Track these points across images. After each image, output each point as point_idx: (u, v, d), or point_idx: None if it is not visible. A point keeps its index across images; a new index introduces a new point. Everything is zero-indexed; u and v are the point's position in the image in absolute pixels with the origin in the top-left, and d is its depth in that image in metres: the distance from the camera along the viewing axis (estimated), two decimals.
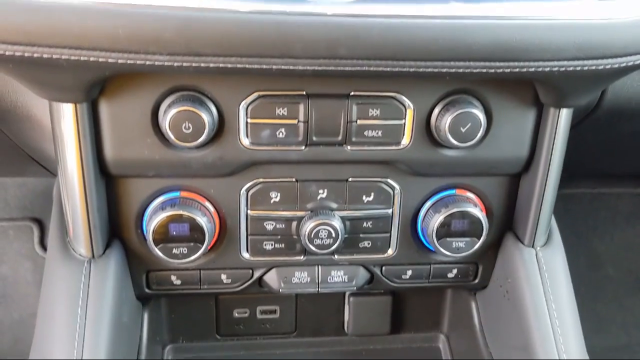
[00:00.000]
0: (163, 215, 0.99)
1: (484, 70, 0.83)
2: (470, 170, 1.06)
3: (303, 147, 0.97)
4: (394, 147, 0.99)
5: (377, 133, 0.97)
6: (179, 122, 0.90)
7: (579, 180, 1.88)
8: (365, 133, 0.97)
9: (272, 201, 1.04)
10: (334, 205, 1.05)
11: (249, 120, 0.95)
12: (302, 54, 0.78)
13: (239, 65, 0.79)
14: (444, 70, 0.82)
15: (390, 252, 1.12)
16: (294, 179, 1.03)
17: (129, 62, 0.78)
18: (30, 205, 1.91)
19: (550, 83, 0.92)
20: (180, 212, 0.99)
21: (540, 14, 0.82)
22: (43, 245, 1.91)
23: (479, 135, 0.96)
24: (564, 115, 1.00)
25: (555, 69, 0.84)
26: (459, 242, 1.07)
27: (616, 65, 0.85)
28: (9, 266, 1.90)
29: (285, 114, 0.94)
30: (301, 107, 0.94)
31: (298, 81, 0.93)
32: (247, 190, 1.03)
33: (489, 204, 1.11)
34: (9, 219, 1.90)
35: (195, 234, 1.00)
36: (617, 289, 2.08)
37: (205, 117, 0.90)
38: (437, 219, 1.05)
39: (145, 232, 1.03)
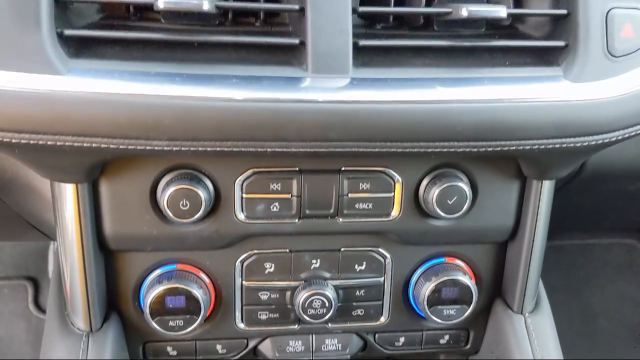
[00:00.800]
0: (160, 289, 1.01)
1: (467, 150, 0.87)
2: (458, 239, 1.09)
3: (296, 220, 1.00)
4: (384, 219, 1.02)
5: (368, 205, 1.01)
6: (176, 199, 0.93)
7: (569, 231, 1.91)
8: (356, 206, 1.00)
9: (266, 272, 1.06)
10: (327, 275, 1.07)
11: (244, 196, 0.98)
12: (295, 138, 0.82)
13: (234, 149, 0.82)
14: (430, 150, 0.86)
15: (382, 319, 1.14)
16: (287, 250, 1.06)
17: (129, 147, 0.81)
18: (25, 263, 1.91)
19: (532, 158, 0.97)
20: (177, 285, 1.01)
21: (519, 96, 0.86)
22: (37, 305, 1.90)
23: (466, 207, 0.99)
24: (547, 186, 1.04)
25: (536, 147, 0.88)
26: (450, 310, 1.09)
27: (593, 142, 0.89)
28: (3, 326, 1.89)
29: (279, 189, 0.98)
30: (294, 183, 0.98)
31: (291, 158, 0.97)
32: (242, 262, 1.05)
33: (477, 271, 1.13)
34: (4, 278, 1.90)
35: (192, 305, 1.01)
36: (611, 341, 2.08)
37: (202, 194, 0.93)
38: (428, 287, 1.07)
39: (142, 305, 1.05)
